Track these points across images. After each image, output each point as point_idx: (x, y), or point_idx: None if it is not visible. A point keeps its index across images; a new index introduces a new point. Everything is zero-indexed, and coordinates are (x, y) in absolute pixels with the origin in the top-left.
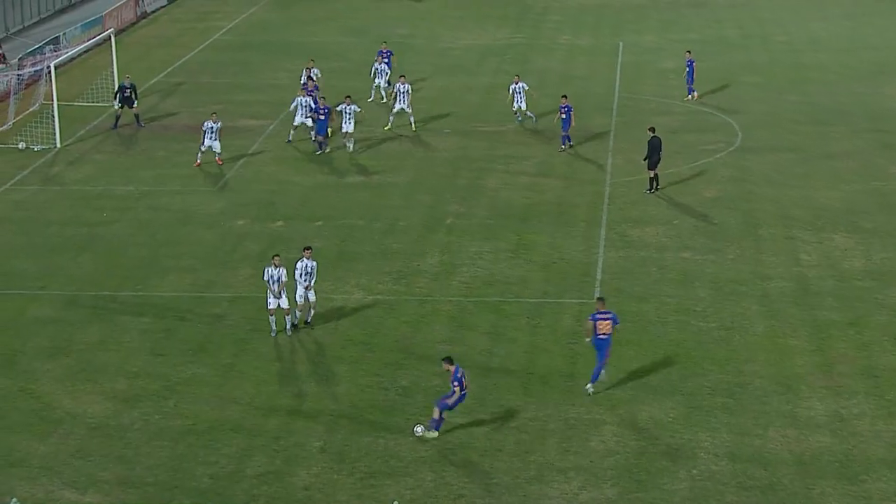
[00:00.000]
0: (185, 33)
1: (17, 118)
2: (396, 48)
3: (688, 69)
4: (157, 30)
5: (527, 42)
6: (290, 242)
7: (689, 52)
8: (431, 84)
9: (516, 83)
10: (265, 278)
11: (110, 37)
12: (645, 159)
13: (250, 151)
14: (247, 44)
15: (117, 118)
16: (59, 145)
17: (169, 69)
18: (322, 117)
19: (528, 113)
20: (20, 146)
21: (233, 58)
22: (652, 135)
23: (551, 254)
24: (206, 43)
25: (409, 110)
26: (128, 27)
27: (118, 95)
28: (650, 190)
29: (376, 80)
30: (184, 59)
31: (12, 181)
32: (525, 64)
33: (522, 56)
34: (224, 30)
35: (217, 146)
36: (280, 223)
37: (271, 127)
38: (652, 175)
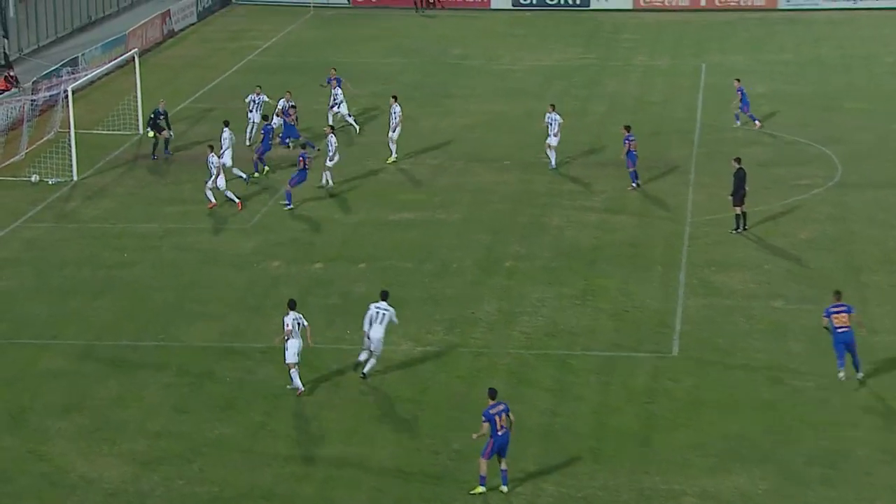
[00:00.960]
0: (215, 54)
1: (31, 148)
2: (450, 70)
3: (741, 100)
4: (185, 50)
5: (598, 63)
6: (329, 286)
7: (738, 80)
8: (488, 109)
9: (551, 113)
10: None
11: (134, 58)
12: (731, 195)
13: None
14: (284, 65)
15: (154, 145)
16: (75, 178)
17: (198, 93)
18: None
19: (549, 153)
20: (33, 179)
21: (269, 81)
22: (738, 167)
23: (623, 301)
24: (240, 64)
25: (393, 136)
26: (153, 47)
27: (150, 122)
28: (737, 229)
29: (336, 109)
30: (214, 83)
31: (24, 217)
32: (595, 87)
33: (592, 79)
34: (259, 50)
35: (222, 182)
36: (319, 265)
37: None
38: (739, 212)
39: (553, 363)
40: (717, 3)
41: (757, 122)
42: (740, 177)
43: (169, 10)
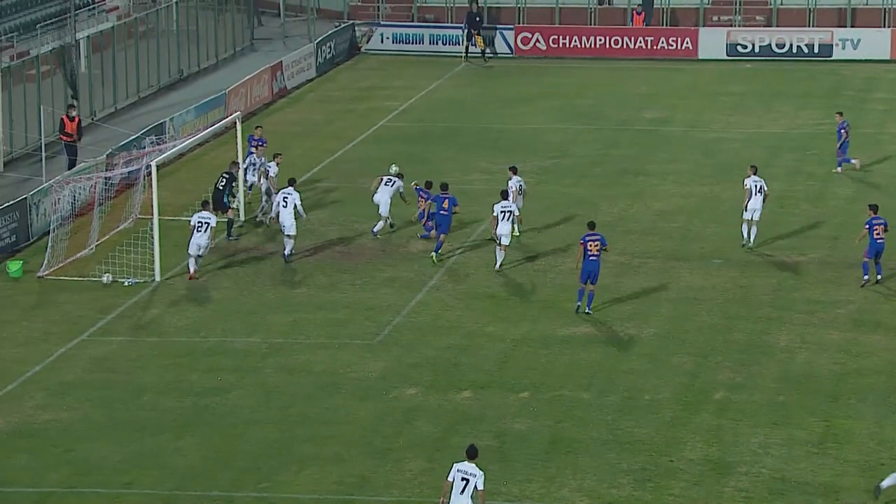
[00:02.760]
0: (339, 118)
1: (103, 239)
2: (642, 139)
3: (842, 137)
4: (300, 113)
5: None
6: (480, 422)
7: (839, 114)
8: (693, 190)
9: (752, 176)
10: None
11: (235, 123)
12: None
13: (426, 287)
14: (426, 133)
15: (229, 224)
16: (158, 278)
17: (315, 168)
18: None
19: (747, 238)
20: (105, 279)
21: (406, 152)
22: None
23: (877, 451)
24: (369, 132)
25: (386, 214)
26: (260, 109)
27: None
28: None
29: (248, 178)
30: (336, 155)
31: (92, 329)
32: (836, 163)
33: (834, 151)
34: (394, 113)
35: (205, 247)
36: (467, 394)
37: (458, 252)
38: None
39: None
40: None
41: (850, 161)
42: None
43: (281, 63)
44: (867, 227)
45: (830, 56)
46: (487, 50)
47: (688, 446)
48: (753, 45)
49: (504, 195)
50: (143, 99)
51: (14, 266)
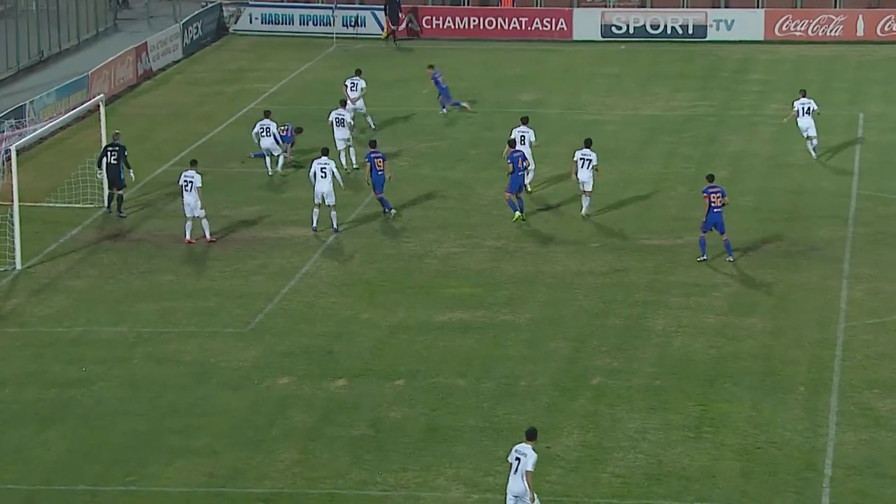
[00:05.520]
0: (207, 100)
1: None
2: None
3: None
4: (166, 95)
5: (716, 112)
6: (354, 411)
7: (430, 66)
8: (566, 175)
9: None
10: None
11: (99, 106)
12: None
13: (299, 274)
14: (298, 115)
15: (109, 197)
16: (19, 266)
17: (183, 152)
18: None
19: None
20: None
21: None
22: None
23: (753, 434)
24: (239, 114)
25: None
26: (124, 92)
27: (102, 161)
28: None
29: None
30: (206, 139)
31: None
32: (713, 145)
33: (710, 134)
34: (264, 95)
35: (199, 210)
36: (342, 382)
37: (331, 238)
38: None
39: None
40: (879, 32)
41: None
42: None
43: (146, 44)
44: (704, 195)
45: (705, 37)
46: (395, 29)
47: (565, 432)
48: (628, 27)
49: (588, 142)
50: (1, 81)
51: None
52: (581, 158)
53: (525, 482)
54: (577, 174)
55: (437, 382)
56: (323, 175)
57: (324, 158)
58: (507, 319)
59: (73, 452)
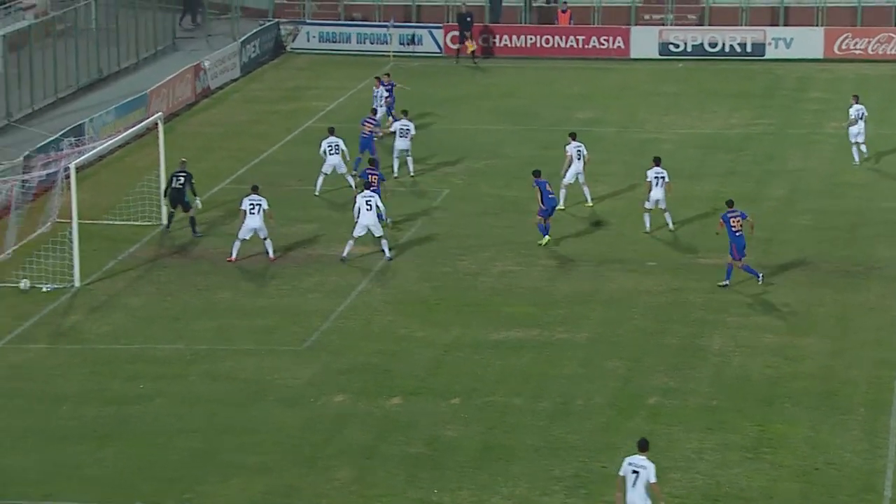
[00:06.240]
0: (264, 118)
1: (20, 244)
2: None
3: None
4: (224, 114)
5: (775, 131)
6: (410, 429)
7: (386, 74)
8: (626, 193)
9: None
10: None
11: (157, 124)
12: None
13: (355, 292)
14: (354, 133)
15: (170, 217)
16: (77, 284)
17: (240, 171)
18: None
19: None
20: (22, 285)
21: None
22: None
23: (812, 455)
24: (295, 133)
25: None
26: (182, 110)
27: (168, 191)
28: None
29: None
30: (262, 157)
31: (10, 336)
32: (770, 163)
33: (767, 152)
34: (322, 113)
35: (262, 228)
36: (397, 400)
37: (387, 257)
38: None
39: None
40: None
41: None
42: None
43: (203, 63)
44: (722, 220)
45: (763, 55)
46: (475, 49)
47: (621, 452)
48: (686, 45)
49: (656, 161)
50: (61, 99)
51: None
52: (656, 177)
53: (650, 494)
54: (650, 192)
55: (492, 401)
56: (368, 208)
57: (367, 192)
58: (562, 338)
59: (129, 469)
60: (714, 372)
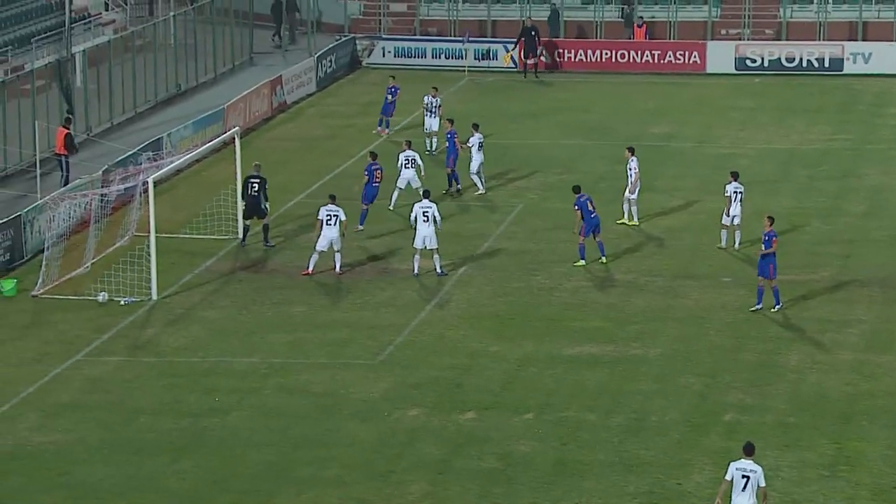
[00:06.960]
0: (340, 133)
1: (98, 257)
2: (649, 154)
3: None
4: (299, 128)
5: (853, 146)
6: (483, 444)
7: (450, 120)
8: (702, 207)
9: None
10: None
11: (234, 139)
12: None
13: (429, 306)
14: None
15: (245, 231)
16: (155, 297)
17: (316, 185)
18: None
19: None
20: (100, 298)
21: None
22: None
23: (890, 474)
24: (370, 147)
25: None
26: (259, 125)
27: (243, 194)
28: None
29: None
30: (337, 171)
31: (87, 349)
32: (848, 178)
33: (845, 167)
34: (396, 128)
35: (337, 240)
36: (471, 415)
37: (462, 269)
38: None
39: None
40: None
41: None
42: None
43: (280, 77)
44: (766, 238)
45: (841, 70)
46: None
47: (696, 469)
48: (763, 59)
49: (734, 176)
50: (139, 114)
51: (8, 285)
52: (735, 192)
53: (761, 499)
54: (729, 207)
55: (566, 416)
56: (425, 219)
57: (425, 202)
58: (637, 354)
59: (205, 482)
60: (791, 389)
